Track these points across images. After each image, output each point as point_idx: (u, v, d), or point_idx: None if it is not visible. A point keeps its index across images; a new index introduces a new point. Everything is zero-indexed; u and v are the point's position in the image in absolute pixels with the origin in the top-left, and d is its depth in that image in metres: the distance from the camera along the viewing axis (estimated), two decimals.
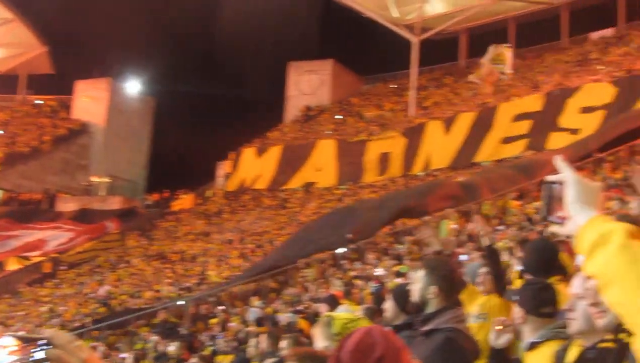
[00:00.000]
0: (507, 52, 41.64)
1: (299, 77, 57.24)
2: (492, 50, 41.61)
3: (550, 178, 2.13)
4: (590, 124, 32.66)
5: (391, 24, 49.76)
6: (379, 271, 18.22)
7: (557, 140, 33.40)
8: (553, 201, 2.09)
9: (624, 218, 5.42)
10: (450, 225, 22.57)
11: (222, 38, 65.30)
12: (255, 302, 21.24)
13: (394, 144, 41.85)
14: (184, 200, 50.31)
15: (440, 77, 52.85)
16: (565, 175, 2.10)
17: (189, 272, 33.77)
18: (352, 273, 20.21)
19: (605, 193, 2.05)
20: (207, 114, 70.41)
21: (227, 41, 66.09)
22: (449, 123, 40.27)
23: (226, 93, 67.59)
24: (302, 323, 13.13)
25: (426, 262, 5.21)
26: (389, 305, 5.77)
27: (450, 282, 4.78)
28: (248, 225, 40.12)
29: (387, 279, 16.17)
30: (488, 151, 36.88)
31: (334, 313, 5.07)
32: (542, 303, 4.28)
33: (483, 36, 50.87)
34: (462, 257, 14.57)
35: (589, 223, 1.98)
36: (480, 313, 6.40)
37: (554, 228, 2.13)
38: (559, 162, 2.13)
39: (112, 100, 59.71)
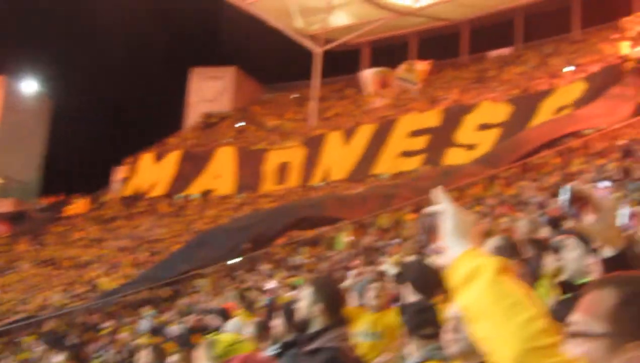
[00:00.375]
0: (421, 68, 42.04)
1: (200, 83, 56.79)
2: (404, 66, 42.10)
3: (429, 209, 2.11)
4: (486, 141, 33.40)
5: (295, 33, 49.89)
6: (272, 284, 18.10)
7: (453, 156, 34.06)
8: (431, 232, 2.08)
9: (505, 240, 5.46)
10: (346, 238, 22.69)
11: (124, 41, 64.20)
12: (147, 311, 20.85)
13: (294, 154, 41.93)
14: (79, 205, 49.13)
15: (342, 89, 53.18)
16: (443, 206, 2.09)
17: (80, 279, 32.95)
18: (246, 284, 20.06)
19: (480, 227, 2.00)
20: (106, 117, 69.20)
21: (128, 44, 65.15)
22: (349, 134, 40.61)
23: (126, 97, 66.44)
24: (194, 336, 12.88)
25: (312, 279, 5.16)
26: (278, 322, 5.73)
27: (335, 300, 4.75)
28: (143, 232, 39.47)
29: (281, 292, 16.07)
30: (386, 164, 37.29)
31: (218, 335, 4.95)
32: (423, 325, 4.27)
33: (385, 50, 51.55)
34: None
35: (462, 256, 1.98)
36: (371, 332, 6.36)
37: (431, 259, 2.10)
38: (437, 193, 2.12)
39: (6, 99, 57.95)
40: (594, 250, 2.77)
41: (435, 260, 2.06)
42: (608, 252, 2.61)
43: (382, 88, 41.58)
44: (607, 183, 12.18)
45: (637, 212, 2.72)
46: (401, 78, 41.33)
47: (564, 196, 2.54)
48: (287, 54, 53.00)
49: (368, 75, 41.41)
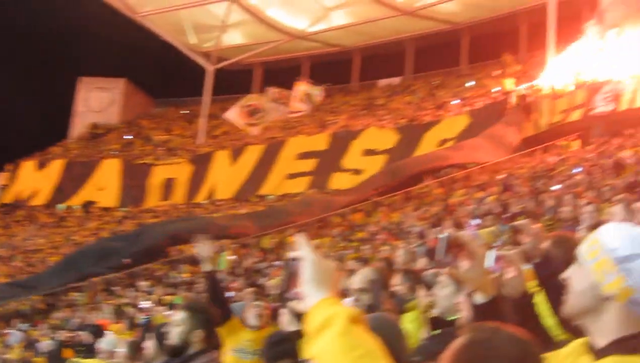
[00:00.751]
0: (315, 92, 42.10)
1: (88, 94, 55.66)
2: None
3: (292, 254, 2.12)
4: (371, 167, 33.90)
5: (188, 49, 49.60)
6: (147, 302, 17.87)
7: (339, 181, 34.45)
8: (292, 277, 2.08)
9: (376, 272, 5.58)
10: (228, 257, 22.63)
11: (8, 44, 62.42)
12: (18, 324, 20.27)
13: (180, 170, 41.53)
14: None
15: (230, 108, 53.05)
16: (304, 253, 2.10)
17: None
18: (124, 300, 19.75)
19: (340, 274, 2.07)
20: None
21: (13, 48, 63.40)
22: (237, 154, 40.54)
23: (8, 102, 64.51)
24: (66, 352, 12.62)
25: (187, 304, 5.18)
26: (150, 344, 5.70)
27: (210, 325, 4.80)
28: (21, 242, 38.29)
29: (158, 310, 15.90)
30: (273, 185, 37.33)
31: (84, 360, 4.93)
32: (280, 356, 4.32)
33: (278, 71, 51.85)
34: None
35: (318, 305, 2.01)
36: (250, 350, 6.38)
37: (291, 304, 2.15)
38: (299, 239, 2.13)
39: None
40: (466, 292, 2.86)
41: (295, 306, 2.10)
42: (479, 298, 2.69)
43: (251, 117, 41.18)
44: (477, 221, 12.58)
45: (503, 255, 2.84)
46: (306, 94, 41.28)
47: (440, 244, 2.61)
48: (179, 69, 52.68)
49: (232, 115, 41.22)
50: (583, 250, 2.35)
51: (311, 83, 42.00)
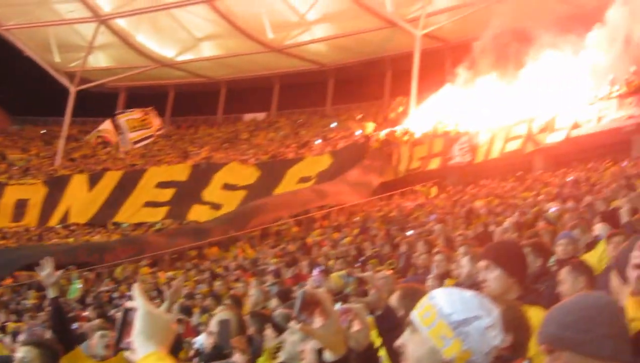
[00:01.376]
0: (152, 117, 41.41)
1: None
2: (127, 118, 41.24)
3: (129, 304, 2.14)
4: (231, 202, 33.88)
5: (51, 68, 48.41)
6: None
7: (198, 213, 34.20)
8: (126, 327, 2.09)
9: (231, 315, 5.64)
10: (78, 285, 22.15)
11: None
12: None
13: (34, 192, 40.10)
14: None
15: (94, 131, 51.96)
16: (138, 303, 2.11)
17: None
18: None
19: (173, 327, 2.13)
20: None
21: None
22: (94, 178, 39.59)
23: None
24: None
25: (29, 340, 5.12)
26: None
27: (54, 359, 4.79)
28: None
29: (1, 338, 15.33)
30: (128, 212, 36.58)
31: None
32: None
33: (144, 97, 51.21)
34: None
35: (144, 359, 2.02)
36: None
37: (126, 354, 2.15)
38: (135, 290, 2.15)
39: None
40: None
41: (129, 357, 2.11)
42: (329, 357, 2.72)
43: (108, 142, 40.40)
44: (321, 267, 12.82)
45: (349, 308, 2.92)
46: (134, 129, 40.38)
47: (296, 300, 2.66)
48: (42, 87, 51.12)
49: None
50: (418, 316, 2.43)
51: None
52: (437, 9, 40.93)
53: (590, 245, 8.11)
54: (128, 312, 2.11)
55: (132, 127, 35.35)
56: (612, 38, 30.06)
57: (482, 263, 4.44)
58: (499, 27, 33.31)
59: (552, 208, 15.22)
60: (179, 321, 11.14)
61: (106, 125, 35.97)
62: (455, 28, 41.52)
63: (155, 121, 36.32)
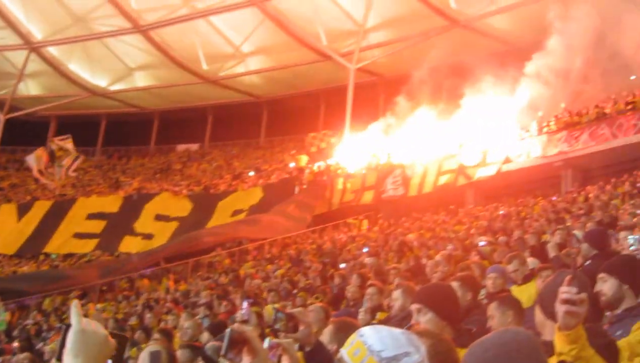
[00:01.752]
0: (68, 145, 40.93)
1: None
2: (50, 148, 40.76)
3: (71, 321, 2.10)
4: (163, 233, 33.58)
5: None
6: None
7: (129, 244, 33.79)
8: (63, 344, 2.06)
9: (161, 348, 5.57)
10: (4, 317, 21.65)
11: None
12: None
13: None
14: None
15: (22, 159, 51.12)
16: (73, 321, 2.07)
17: None
18: None
19: (109, 345, 2.10)
20: None
21: None
22: (23, 208, 38.84)
23: None
24: None
25: None
26: None
27: None
28: None
29: None
30: (58, 243, 35.91)
31: None
32: None
33: (75, 126, 50.57)
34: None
35: None
36: None
37: None
38: (73, 308, 2.10)
39: None
40: None
41: None
42: None
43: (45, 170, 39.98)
44: (250, 300, 12.77)
45: (278, 343, 2.91)
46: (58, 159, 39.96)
47: (224, 339, 2.64)
48: None
49: (31, 160, 39.99)
50: (347, 354, 2.43)
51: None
52: (371, 43, 41.44)
53: (527, 277, 8.23)
54: (67, 329, 2.08)
55: (58, 157, 35.06)
56: (544, 75, 30.73)
57: (415, 307, 4.51)
58: (433, 62, 33.86)
59: (482, 242, 15.41)
60: None
61: (39, 155, 35.64)
62: (389, 63, 42.08)
63: (70, 145, 36.15)
